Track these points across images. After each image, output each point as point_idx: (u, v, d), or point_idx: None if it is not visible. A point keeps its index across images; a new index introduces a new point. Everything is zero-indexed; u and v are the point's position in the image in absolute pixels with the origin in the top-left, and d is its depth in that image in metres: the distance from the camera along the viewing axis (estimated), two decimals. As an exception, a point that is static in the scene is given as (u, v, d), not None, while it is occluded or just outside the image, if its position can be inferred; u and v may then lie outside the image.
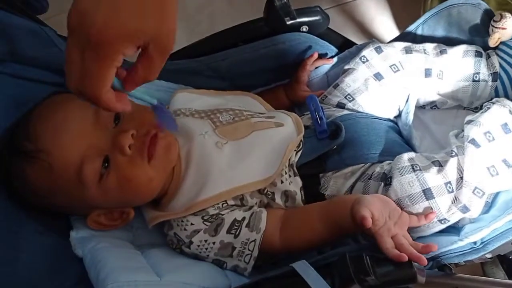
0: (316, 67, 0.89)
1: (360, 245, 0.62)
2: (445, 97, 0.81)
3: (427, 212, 0.64)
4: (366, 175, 0.71)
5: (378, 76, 0.79)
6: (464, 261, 0.65)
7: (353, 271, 0.52)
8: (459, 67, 0.78)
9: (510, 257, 0.95)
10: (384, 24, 1.45)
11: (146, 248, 0.68)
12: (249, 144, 0.70)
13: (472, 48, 0.79)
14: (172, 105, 0.79)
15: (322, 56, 0.89)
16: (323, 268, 0.55)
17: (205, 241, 0.65)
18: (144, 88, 0.53)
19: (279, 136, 0.72)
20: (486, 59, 0.79)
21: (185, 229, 0.66)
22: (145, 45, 0.43)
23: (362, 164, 0.72)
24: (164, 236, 0.70)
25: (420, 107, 0.85)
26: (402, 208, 0.65)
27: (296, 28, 0.85)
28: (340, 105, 0.81)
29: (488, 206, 0.67)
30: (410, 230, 0.65)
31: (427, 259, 0.56)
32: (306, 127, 0.76)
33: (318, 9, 0.86)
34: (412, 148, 0.78)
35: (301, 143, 0.73)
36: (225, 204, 0.67)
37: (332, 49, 0.90)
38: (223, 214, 0.66)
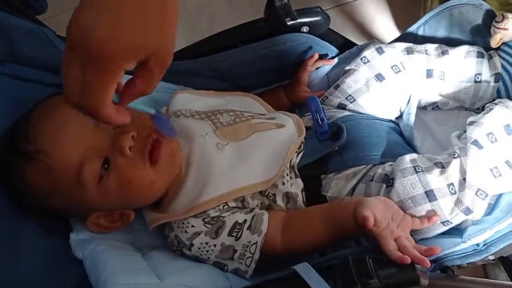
0: (317, 68, 0.89)
1: (362, 247, 0.62)
2: (447, 98, 0.81)
3: (430, 215, 0.63)
4: (368, 177, 0.70)
5: (379, 77, 0.79)
6: (467, 263, 0.64)
7: (356, 273, 0.52)
8: (461, 68, 0.78)
9: (512, 259, 0.95)
10: (384, 24, 1.45)
11: (146, 250, 0.68)
12: (250, 145, 0.70)
13: (474, 49, 0.79)
14: (172, 106, 0.79)
15: (322, 56, 0.88)
16: (325, 270, 0.54)
17: (206, 243, 0.65)
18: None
19: (280, 137, 0.72)
20: (488, 60, 0.79)
21: (186, 231, 0.66)
22: (145, 59, 0.43)
23: (364, 166, 0.72)
24: (165, 238, 0.70)
25: (421, 108, 0.85)
26: (404, 210, 0.65)
27: (297, 28, 0.85)
28: (341, 106, 0.81)
29: (491, 208, 0.67)
30: (413, 232, 0.64)
31: (429, 261, 0.55)
32: (307, 128, 0.75)
33: (319, 9, 0.86)
34: (413, 149, 0.77)
35: (302, 144, 0.73)
36: (226, 206, 0.67)
37: (332, 50, 0.89)
38: (224, 217, 0.66)
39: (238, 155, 0.69)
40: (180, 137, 0.70)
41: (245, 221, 0.66)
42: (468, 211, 0.63)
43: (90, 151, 0.60)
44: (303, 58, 0.87)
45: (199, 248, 0.65)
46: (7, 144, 0.62)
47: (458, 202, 0.63)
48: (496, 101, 0.74)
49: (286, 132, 0.73)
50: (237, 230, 0.65)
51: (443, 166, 0.65)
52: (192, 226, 0.65)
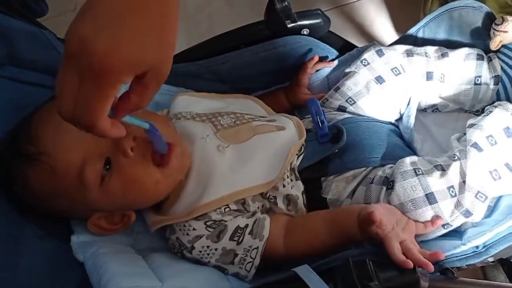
0: (317, 70, 0.89)
1: (362, 249, 0.62)
2: (447, 100, 0.81)
3: (433, 219, 0.64)
4: (368, 179, 0.71)
5: (379, 79, 0.79)
6: (466, 265, 0.65)
7: (357, 276, 0.52)
8: (460, 70, 0.78)
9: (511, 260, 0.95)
10: (382, 25, 1.45)
11: (147, 253, 0.68)
12: (251, 147, 0.70)
13: (473, 51, 0.79)
14: (172, 108, 0.79)
15: (322, 59, 0.89)
16: (326, 272, 0.55)
17: (207, 247, 0.65)
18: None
19: (281, 139, 0.72)
20: (488, 62, 0.79)
21: (187, 234, 0.66)
22: (143, 74, 0.42)
23: (364, 168, 0.72)
24: (165, 240, 0.70)
25: (421, 110, 0.85)
26: (405, 213, 0.65)
27: (297, 31, 0.85)
28: (341, 109, 0.81)
29: (491, 210, 0.67)
30: (416, 236, 0.65)
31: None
32: (307, 131, 0.75)
33: (319, 12, 0.86)
34: (413, 151, 0.78)
35: (302, 147, 0.73)
36: (228, 209, 0.67)
37: (332, 52, 0.90)
38: (226, 221, 0.66)
39: (239, 157, 0.69)
40: (181, 139, 0.70)
41: (246, 225, 0.66)
42: (468, 213, 0.63)
43: (92, 152, 0.60)
44: (303, 60, 0.87)
45: (200, 251, 0.65)
46: (8, 147, 0.62)
47: (458, 204, 0.63)
48: (495, 103, 0.74)
49: (287, 135, 0.73)
50: (238, 234, 0.65)
51: (443, 169, 0.65)
52: (194, 229, 0.65)
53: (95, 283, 0.57)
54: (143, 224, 0.71)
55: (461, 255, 0.62)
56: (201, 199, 0.66)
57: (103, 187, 0.61)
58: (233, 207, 0.68)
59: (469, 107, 0.82)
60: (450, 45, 0.82)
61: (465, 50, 0.80)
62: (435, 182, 0.64)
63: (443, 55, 0.79)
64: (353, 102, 0.80)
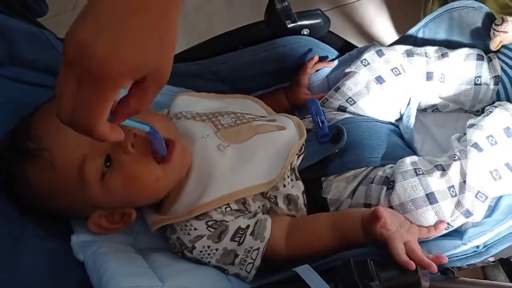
0: (317, 70, 0.89)
1: (362, 249, 0.62)
2: (447, 100, 0.81)
3: (436, 224, 0.64)
4: (368, 179, 0.71)
5: (379, 80, 0.79)
6: (467, 265, 0.65)
7: (358, 276, 0.52)
8: (460, 70, 0.78)
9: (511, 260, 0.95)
10: (382, 25, 1.45)
11: (147, 252, 0.68)
12: (251, 147, 0.70)
13: (473, 52, 0.79)
14: (173, 108, 0.79)
15: (322, 59, 0.89)
16: (326, 272, 0.55)
17: (208, 247, 0.65)
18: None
19: (281, 139, 0.72)
20: (488, 63, 0.79)
21: (188, 234, 0.66)
22: (142, 78, 0.42)
23: (364, 168, 0.72)
24: (165, 239, 0.70)
25: (421, 110, 0.85)
26: (405, 213, 0.65)
27: (297, 31, 0.85)
28: (341, 109, 0.81)
29: (491, 210, 0.67)
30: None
31: None
32: (307, 131, 0.75)
33: (319, 12, 0.86)
34: (413, 151, 0.78)
35: (303, 146, 0.73)
36: (228, 208, 0.67)
37: (332, 52, 0.90)
38: (227, 221, 0.66)
39: (240, 156, 0.69)
40: (181, 137, 0.70)
41: (248, 226, 0.66)
42: (468, 213, 0.63)
43: (92, 149, 0.60)
44: (303, 60, 0.87)
45: (201, 251, 0.65)
46: (9, 147, 0.62)
47: (458, 204, 0.63)
48: (495, 103, 0.74)
49: (287, 134, 0.73)
50: (239, 235, 0.65)
51: (443, 169, 0.65)
52: (195, 229, 0.66)
53: (96, 282, 0.57)
54: (143, 224, 0.71)
55: (462, 255, 0.62)
56: (201, 198, 0.66)
57: (103, 184, 0.61)
58: (234, 206, 0.68)
59: (469, 107, 0.82)
60: (450, 45, 0.82)
61: (465, 51, 0.80)
62: (436, 182, 0.64)
63: (443, 55, 0.79)
64: (353, 102, 0.80)
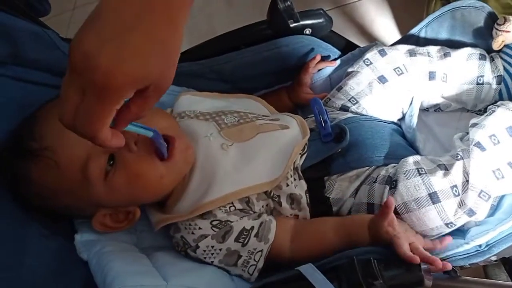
0: (319, 70, 0.89)
1: (366, 248, 0.62)
2: (449, 100, 0.81)
3: (442, 239, 0.63)
4: (371, 178, 0.71)
5: (382, 79, 0.79)
6: (469, 264, 0.65)
7: (362, 275, 0.52)
8: (463, 70, 0.78)
9: (513, 259, 0.95)
10: (384, 25, 1.45)
11: (150, 251, 0.68)
12: (254, 146, 0.70)
13: (476, 51, 0.79)
14: (176, 107, 0.79)
15: (324, 58, 0.89)
16: (330, 271, 0.55)
17: (212, 247, 0.65)
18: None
19: (284, 138, 0.72)
20: (490, 62, 0.79)
21: (192, 233, 0.66)
22: (145, 87, 0.42)
23: (367, 167, 0.72)
24: (169, 238, 0.70)
25: (423, 110, 0.85)
26: (408, 212, 0.65)
27: (300, 30, 0.85)
28: (344, 108, 0.81)
29: (494, 209, 0.67)
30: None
31: None
32: (310, 130, 0.75)
33: (321, 11, 0.86)
34: (416, 151, 0.78)
35: (306, 146, 0.73)
36: (233, 208, 0.67)
37: (335, 52, 0.90)
38: (232, 221, 0.66)
39: (243, 155, 0.69)
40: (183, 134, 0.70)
41: (252, 227, 0.66)
42: (471, 212, 0.64)
43: (96, 147, 0.59)
44: (305, 60, 0.87)
45: (204, 251, 0.65)
46: (12, 146, 0.63)
47: (461, 204, 0.63)
48: (498, 103, 0.74)
49: (290, 133, 0.73)
50: (244, 236, 0.65)
51: (446, 168, 0.65)
52: (200, 228, 0.66)
53: (100, 282, 0.57)
54: (147, 223, 0.71)
55: (464, 254, 0.62)
56: (205, 197, 0.66)
57: (107, 182, 0.61)
58: (238, 206, 0.68)
59: (471, 107, 0.82)
60: (452, 45, 0.82)
61: (467, 50, 0.80)
62: (438, 182, 0.64)
63: (446, 55, 0.79)
64: (355, 101, 0.80)
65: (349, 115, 0.80)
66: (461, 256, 0.62)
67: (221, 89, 0.86)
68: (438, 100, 0.82)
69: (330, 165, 0.73)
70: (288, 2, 0.82)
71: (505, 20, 0.76)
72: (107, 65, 0.38)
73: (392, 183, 0.67)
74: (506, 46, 0.78)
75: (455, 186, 0.64)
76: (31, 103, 0.66)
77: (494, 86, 0.78)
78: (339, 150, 0.73)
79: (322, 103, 0.78)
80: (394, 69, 0.79)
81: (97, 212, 0.65)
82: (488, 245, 0.62)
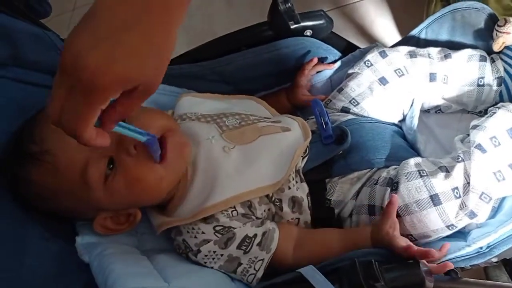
0: (318, 72, 0.89)
1: (366, 250, 0.62)
2: (450, 102, 0.81)
3: (442, 247, 0.62)
4: (372, 180, 0.71)
5: (383, 81, 0.79)
6: (470, 265, 0.65)
7: (363, 276, 0.52)
8: (463, 71, 0.79)
9: (514, 260, 0.95)
10: (384, 26, 1.45)
11: (152, 254, 0.68)
12: (256, 148, 0.70)
13: (476, 53, 0.80)
14: (177, 109, 0.79)
15: (322, 60, 0.89)
16: (331, 273, 0.55)
17: (214, 252, 0.65)
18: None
19: (286, 140, 0.72)
20: (491, 64, 0.79)
21: (195, 237, 0.66)
22: (133, 88, 0.42)
23: (368, 169, 0.72)
24: (170, 241, 0.70)
25: (424, 111, 0.85)
26: (409, 214, 0.65)
27: (300, 32, 0.85)
28: (345, 110, 0.81)
29: (495, 211, 0.67)
30: (417, 236, 0.66)
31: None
32: (311, 132, 0.75)
33: (322, 13, 0.86)
34: (417, 153, 0.78)
35: (307, 148, 0.73)
36: (235, 212, 0.67)
37: (335, 53, 0.90)
38: (234, 228, 0.66)
39: (245, 158, 0.69)
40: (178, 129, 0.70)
41: (255, 235, 0.66)
42: (472, 214, 0.64)
43: (95, 151, 0.60)
44: (304, 62, 0.87)
45: (206, 256, 0.65)
46: (13, 148, 0.62)
47: (462, 206, 0.64)
48: (498, 104, 0.74)
49: (292, 136, 0.73)
50: (246, 243, 0.65)
51: (447, 170, 0.65)
52: (203, 232, 0.65)
53: (101, 283, 0.57)
54: (148, 225, 0.71)
55: (465, 256, 0.63)
56: (207, 200, 0.66)
57: (107, 186, 0.61)
58: (241, 210, 0.67)
59: (472, 108, 0.82)
60: (452, 46, 0.82)
61: (468, 52, 0.80)
62: (440, 183, 0.64)
63: (446, 56, 0.79)
64: (356, 103, 0.80)
65: (350, 116, 0.80)
66: (462, 258, 0.63)
67: (223, 90, 0.86)
68: (439, 101, 0.82)
69: (331, 167, 0.73)
70: (289, 4, 0.82)
71: (506, 21, 0.76)
72: (95, 65, 0.38)
73: (393, 185, 0.67)
74: (507, 47, 0.79)
75: (456, 188, 0.64)
76: (31, 104, 0.66)
77: (495, 87, 0.78)
78: (340, 152, 0.72)
79: (323, 105, 0.78)
80: (395, 71, 0.79)
81: (98, 214, 0.65)
82: (489, 246, 0.62)
